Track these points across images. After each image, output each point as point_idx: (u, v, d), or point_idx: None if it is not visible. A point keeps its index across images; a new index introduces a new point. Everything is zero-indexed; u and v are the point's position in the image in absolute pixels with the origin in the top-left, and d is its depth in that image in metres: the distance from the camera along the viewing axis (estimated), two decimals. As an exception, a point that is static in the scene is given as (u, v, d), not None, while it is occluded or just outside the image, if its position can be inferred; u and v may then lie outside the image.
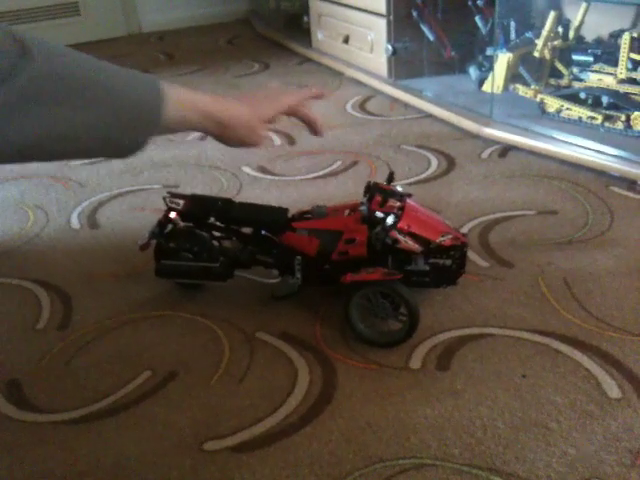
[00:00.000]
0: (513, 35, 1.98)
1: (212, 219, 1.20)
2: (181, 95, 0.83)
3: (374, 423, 0.94)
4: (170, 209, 1.20)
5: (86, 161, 1.86)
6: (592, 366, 1.02)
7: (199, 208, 1.20)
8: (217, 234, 1.22)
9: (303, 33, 2.82)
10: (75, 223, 1.54)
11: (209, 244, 1.19)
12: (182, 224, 1.21)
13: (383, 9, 2.22)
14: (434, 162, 1.74)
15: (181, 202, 1.20)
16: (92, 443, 0.94)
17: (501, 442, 0.89)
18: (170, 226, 1.21)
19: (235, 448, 0.91)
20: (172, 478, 0.88)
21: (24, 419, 0.99)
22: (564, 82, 1.91)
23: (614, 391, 0.97)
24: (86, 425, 0.97)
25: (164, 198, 1.20)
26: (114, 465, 0.90)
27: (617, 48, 1.76)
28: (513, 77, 1.98)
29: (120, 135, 0.75)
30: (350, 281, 1.07)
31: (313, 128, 1.05)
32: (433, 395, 0.98)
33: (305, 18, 2.80)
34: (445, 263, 1.13)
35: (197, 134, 2.01)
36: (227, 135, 0.92)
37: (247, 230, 1.20)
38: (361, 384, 1.01)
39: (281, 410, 0.97)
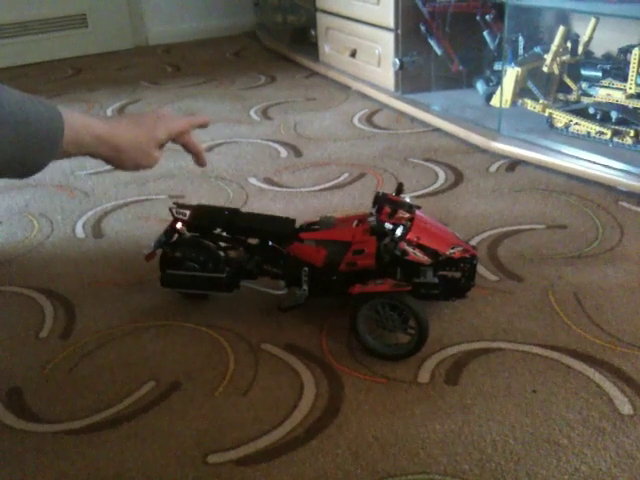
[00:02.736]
0: (521, 50, 1.98)
1: (218, 229, 1.19)
2: (78, 120, 0.85)
3: (382, 437, 0.92)
4: (176, 219, 1.19)
5: (91, 170, 1.86)
6: (604, 382, 1.00)
7: (205, 218, 1.19)
8: (223, 244, 1.20)
9: (310, 46, 2.83)
10: (80, 232, 1.53)
11: (215, 254, 1.18)
12: (188, 234, 1.20)
13: (391, 23, 2.22)
14: (442, 175, 1.73)
15: (187, 212, 1.19)
16: (93, 454, 0.92)
17: (512, 458, 0.87)
18: (176, 236, 1.20)
19: (239, 461, 0.90)
20: (175, 491, 0.86)
21: (25, 428, 0.97)
22: (573, 97, 1.91)
23: (626, 408, 0.95)
24: (88, 436, 0.95)
25: (170, 209, 1.19)
26: (115, 477, 0.88)
27: (626, 63, 1.75)
28: (521, 92, 1.97)
29: (23, 156, 0.78)
30: (358, 292, 1.05)
31: (198, 157, 1.08)
32: (442, 410, 0.96)
33: (312, 32, 2.81)
34: (454, 276, 1.12)
35: (203, 145, 2.00)
36: (122, 159, 0.94)
37: (254, 240, 1.18)
38: (368, 397, 0.99)
39: (286, 423, 0.96)
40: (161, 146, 1.00)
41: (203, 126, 1.09)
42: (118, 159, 0.93)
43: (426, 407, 0.97)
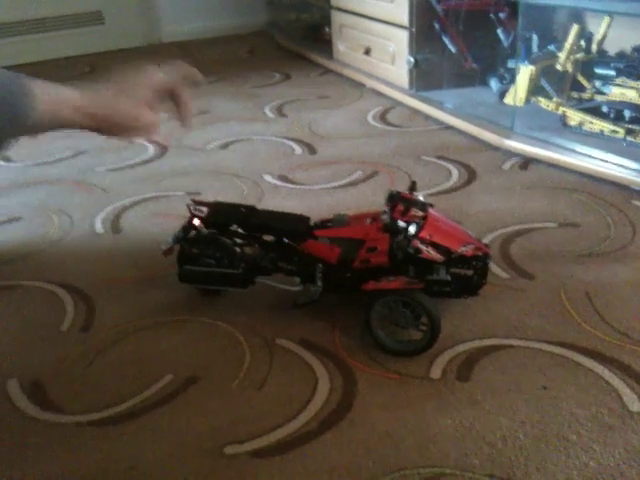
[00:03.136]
0: (535, 48, 1.98)
1: (235, 226, 1.21)
2: (51, 92, 0.82)
3: (394, 432, 0.94)
4: (194, 216, 1.21)
5: (109, 167, 1.88)
6: (613, 379, 1.01)
7: (222, 215, 1.21)
8: (239, 241, 1.23)
9: (324, 44, 2.84)
10: (99, 228, 1.56)
11: (231, 251, 1.20)
12: (205, 230, 1.22)
13: (405, 21, 2.23)
14: (455, 173, 1.74)
15: (204, 209, 1.21)
16: (112, 445, 0.95)
17: (522, 453, 0.89)
18: (193, 232, 1.22)
19: (254, 453, 0.92)
20: (192, 482, 0.88)
21: (46, 419, 1.00)
22: (586, 95, 1.91)
23: (635, 405, 0.96)
24: (107, 427, 0.98)
25: (188, 205, 1.22)
26: (132, 468, 0.91)
27: (640, 62, 1.75)
28: (535, 89, 1.98)
29: None
30: (371, 289, 1.07)
31: (182, 113, 0.99)
32: (453, 405, 0.98)
33: (326, 29, 2.82)
34: (467, 273, 1.13)
35: (217, 143, 2.02)
36: (106, 127, 0.89)
37: (269, 237, 1.20)
38: (381, 393, 1.01)
39: (300, 417, 0.98)
40: (153, 105, 0.93)
41: (195, 82, 1.01)
42: (101, 128, 0.89)
43: (437, 402, 0.99)
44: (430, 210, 1.14)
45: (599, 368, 1.04)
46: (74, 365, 1.11)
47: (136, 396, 1.03)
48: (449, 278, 1.11)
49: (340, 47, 2.71)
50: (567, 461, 0.88)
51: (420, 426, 0.95)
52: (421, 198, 1.16)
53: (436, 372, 1.05)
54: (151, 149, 2.01)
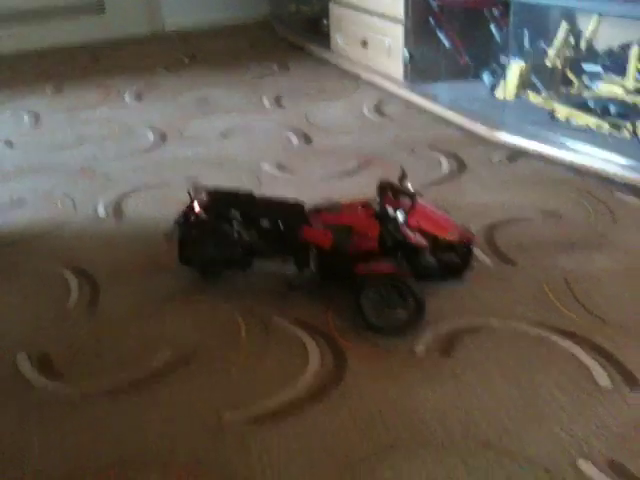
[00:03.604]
0: (527, 44, 2.04)
1: (233, 211, 1.27)
2: None
3: (380, 403, 1.01)
4: (194, 202, 1.27)
5: (112, 155, 1.95)
6: (586, 358, 1.08)
7: (221, 201, 1.28)
8: (237, 226, 1.29)
9: (322, 36, 2.89)
10: (102, 213, 1.62)
11: (230, 235, 1.27)
12: (205, 216, 1.28)
13: (401, 15, 2.29)
14: (446, 165, 1.81)
15: (204, 195, 1.27)
16: (118, 415, 1.02)
17: (497, 423, 0.96)
18: (193, 217, 1.28)
19: (250, 420, 0.99)
20: (192, 446, 0.95)
21: (53, 390, 1.07)
22: (574, 91, 1.97)
23: (605, 381, 1.03)
24: (112, 398, 1.05)
25: (188, 191, 1.28)
26: (138, 436, 0.98)
27: (626, 59, 1.81)
28: (525, 84, 2.04)
29: None
30: (363, 273, 1.14)
31: None
32: (435, 379, 1.05)
33: (325, 22, 2.87)
34: (452, 258, 1.20)
35: (217, 132, 2.08)
36: None
37: (266, 222, 1.27)
38: (369, 367, 1.08)
39: (294, 388, 1.05)
40: None
41: None
42: None
43: (421, 376, 1.06)
44: (418, 199, 1.20)
45: (573, 348, 1.11)
46: (80, 341, 1.18)
47: (141, 369, 1.10)
48: (435, 263, 1.18)
49: (338, 40, 2.76)
50: (539, 430, 0.95)
51: (404, 398, 1.02)
52: (410, 188, 1.22)
53: (421, 348, 1.12)
54: (152, 137, 2.07)
